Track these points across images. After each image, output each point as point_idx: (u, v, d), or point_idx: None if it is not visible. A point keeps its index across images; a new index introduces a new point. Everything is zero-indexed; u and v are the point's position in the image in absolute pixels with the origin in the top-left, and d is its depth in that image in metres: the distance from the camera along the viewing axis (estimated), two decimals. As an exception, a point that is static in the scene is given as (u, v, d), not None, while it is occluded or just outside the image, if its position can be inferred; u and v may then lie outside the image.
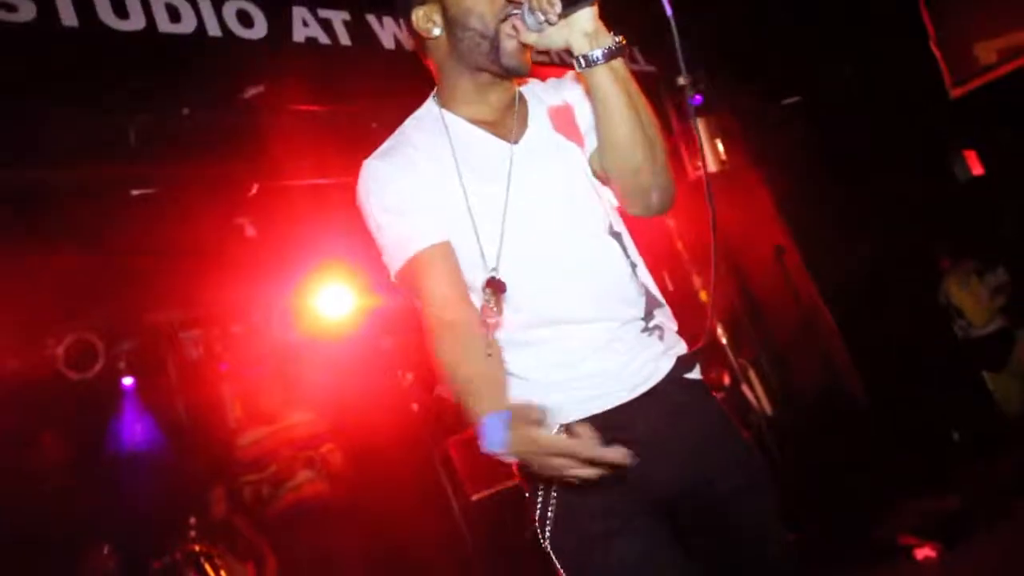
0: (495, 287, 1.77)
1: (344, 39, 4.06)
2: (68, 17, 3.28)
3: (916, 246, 7.24)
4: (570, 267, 1.83)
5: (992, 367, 6.84)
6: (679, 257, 5.97)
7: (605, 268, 1.87)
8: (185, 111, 4.05)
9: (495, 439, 1.56)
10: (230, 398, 6.42)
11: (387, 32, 4.28)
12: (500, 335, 1.81)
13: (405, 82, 4.48)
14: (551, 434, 1.56)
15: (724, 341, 5.80)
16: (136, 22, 3.47)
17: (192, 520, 5.02)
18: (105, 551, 5.24)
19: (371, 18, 4.25)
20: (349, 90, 4.31)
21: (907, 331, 6.72)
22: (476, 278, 1.82)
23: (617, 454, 1.50)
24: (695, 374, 1.95)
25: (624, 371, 1.84)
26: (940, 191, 8.55)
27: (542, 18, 1.69)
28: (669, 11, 1.68)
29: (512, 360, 1.85)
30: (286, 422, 5.79)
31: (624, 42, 1.70)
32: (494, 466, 2.45)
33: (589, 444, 1.50)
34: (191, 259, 5.32)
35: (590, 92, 1.76)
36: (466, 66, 1.87)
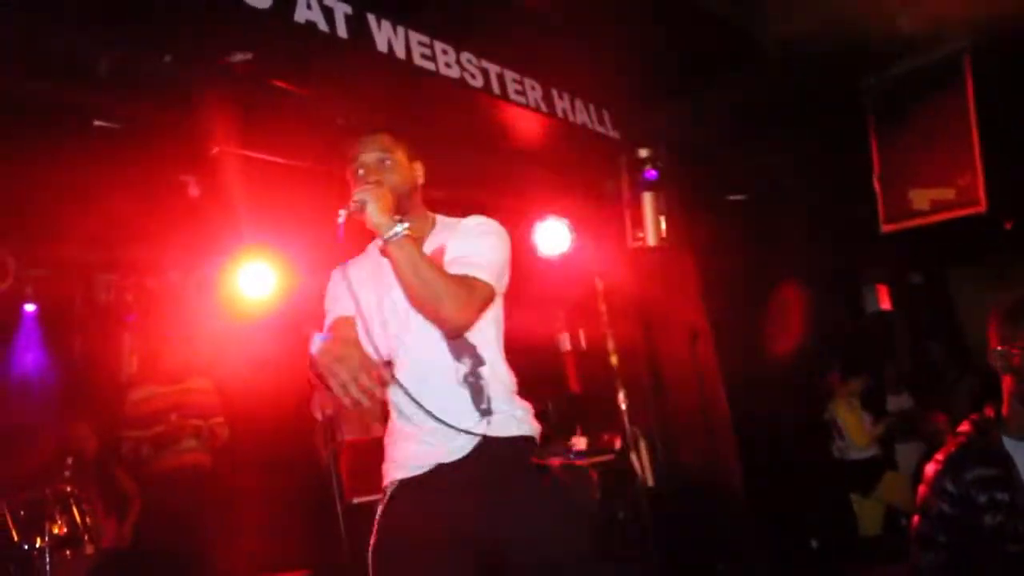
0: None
1: (342, 31, 4.12)
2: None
3: (816, 360, 7.60)
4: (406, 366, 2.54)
5: (860, 490, 7.20)
6: (599, 317, 6.13)
7: (436, 372, 2.52)
8: (167, 58, 4.05)
9: (316, 343, 2.22)
10: (129, 350, 6.34)
11: (383, 35, 4.35)
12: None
13: (384, 88, 4.61)
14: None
15: (624, 407, 5.97)
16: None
17: (69, 460, 4.93)
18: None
19: (371, 18, 4.32)
20: (331, 80, 4.36)
21: (792, 437, 7.05)
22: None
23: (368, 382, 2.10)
24: (522, 453, 2.53)
25: (452, 444, 2.47)
26: (848, 314, 9.00)
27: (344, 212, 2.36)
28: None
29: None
30: (182, 385, 5.73)
31: (405, 230, 2.30)
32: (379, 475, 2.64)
33: (361, 366, 2.12)
34: (127, 204, 5.25)
35: None
36: None
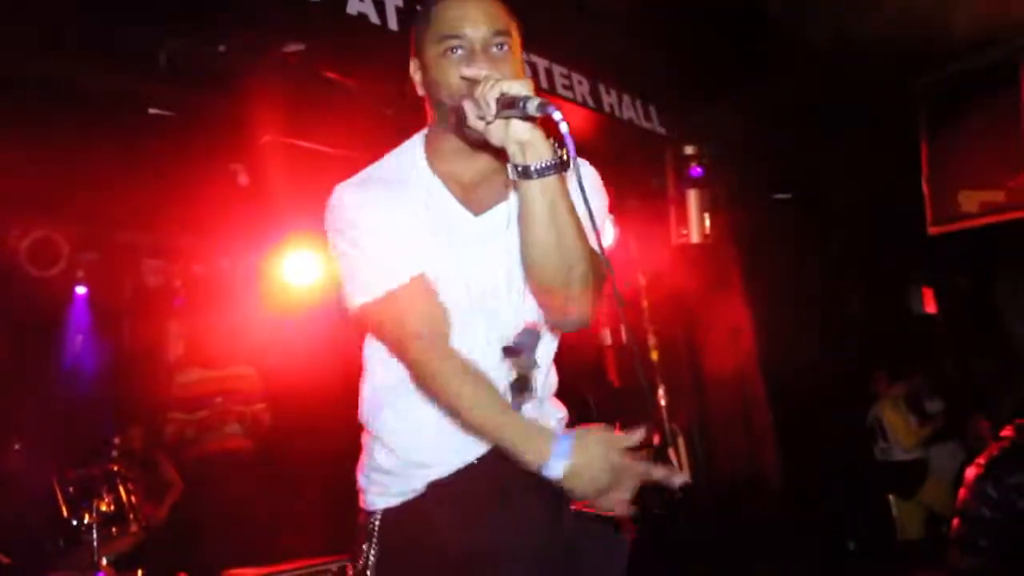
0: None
1: (392, 23, 4.16)
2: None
3: (860, 361, 7.54)
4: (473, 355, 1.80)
5: (903, 493, 7.13)
6: (641, 314, 6.14)
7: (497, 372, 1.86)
8: (222, 48, 4.12)
9: (568, 470, 1.63)
10: (176, 335, 6.45)
11: (432, 28, 4.39)
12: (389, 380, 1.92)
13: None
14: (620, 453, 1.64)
15: (663, 403, 5.97)
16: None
17: (116, 440, 5.04)
18: (16, 447, 5.24)
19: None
20: (380, 72, 4.39)
21: (833, 438, 6.99)
22: None
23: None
24: None
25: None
26: (894, 316, 8.90)
27: (487, 113, 1.59)
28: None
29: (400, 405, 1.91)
30: (227, 371, 5.82)
31: (565, 158, 1.63)
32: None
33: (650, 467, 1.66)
34: (178, 190, 5.35)
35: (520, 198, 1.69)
36: (444, 127, 1.81)
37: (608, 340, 6.66)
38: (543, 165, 1.60)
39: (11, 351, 5.50)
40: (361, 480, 1.99)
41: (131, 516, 4.93)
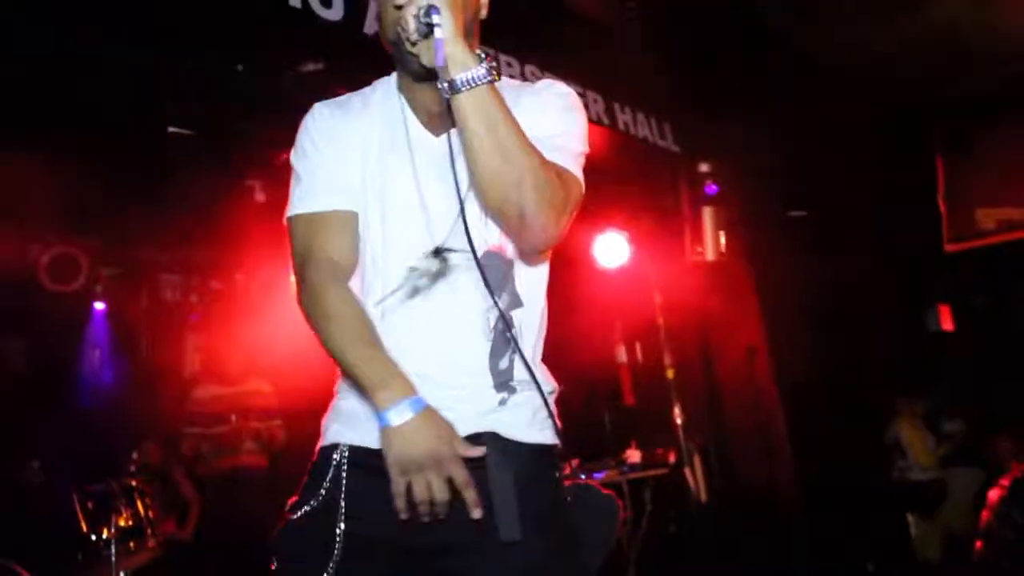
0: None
1: (409, 44, 4.20)
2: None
3: (877, 379, 7.50)
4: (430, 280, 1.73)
5: (922, 512, 7.07)
6: (657, 332, 6.14)
7: (466, 293, 1.76)
8: (239, 67, 4.17)
9: (403, 424, 1.58)
10: (192, 349, 6.48)
11: (448, 48, 4.42)
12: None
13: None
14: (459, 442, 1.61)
15: (679, 422, 5.96)
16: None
17: (135, 455, 5.06)
18: (35, 465, 5.27)
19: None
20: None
21: (851, 457, 6.95)
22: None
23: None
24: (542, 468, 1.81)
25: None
26: (909, 334, 8.86)
27: (416, 33, 1.58)
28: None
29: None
30: (243, 387, 5.84)
31: (494, 68, 1.58)
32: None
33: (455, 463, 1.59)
34: (196, 207, 5.41)
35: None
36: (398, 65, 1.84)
37: (623, 358, 6.66)
38: (469, 77, 1.54)
39: (30, 365, 5.55)
40: (325, 420, 1.86)
41: (149, 531, 4.94)
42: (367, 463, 1.70)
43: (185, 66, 4.06)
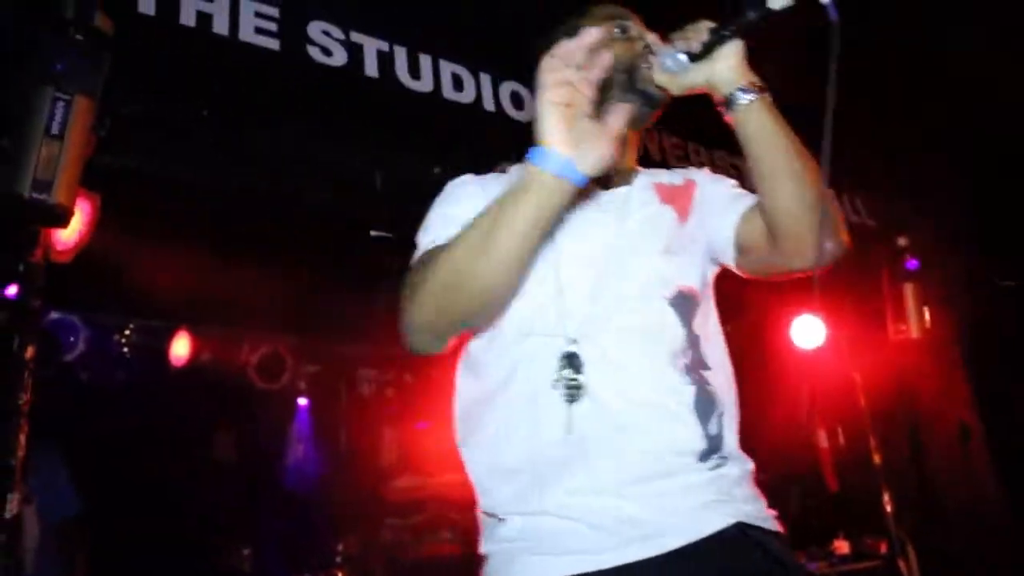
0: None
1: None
2: (371, 68, 3.62)
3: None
4: (621, 325, 1.58)
5: None
6: (859, 413, 5.84)
7: (660, 333, 1.60)
8: (436, 170, 4.32)
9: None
10: (389, 441, 6.66)
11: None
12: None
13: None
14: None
15: (889, 509, 5.61)
16: (425, 85, 3.78)
17: (340, 547, 5.20)
18: (245, 553, 5.49)
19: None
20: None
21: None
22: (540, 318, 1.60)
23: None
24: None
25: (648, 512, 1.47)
26: None
27: (683, 58, 1.59)
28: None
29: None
30: (439, 478, 5.94)
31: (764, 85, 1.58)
32: None
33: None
34: (393, 304, 5.57)
35: (739, 132, 1.60)
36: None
37: (824, 442, 6.37)
38: (758, 83, 1.57)
39: (239, 462, 5.82)
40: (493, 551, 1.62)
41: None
42: None
43: (383, 170, 4.25)
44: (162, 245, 4.22)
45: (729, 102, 1.59)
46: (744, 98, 1.57)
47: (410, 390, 6.49)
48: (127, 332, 5.17)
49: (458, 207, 1.66)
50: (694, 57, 1.59)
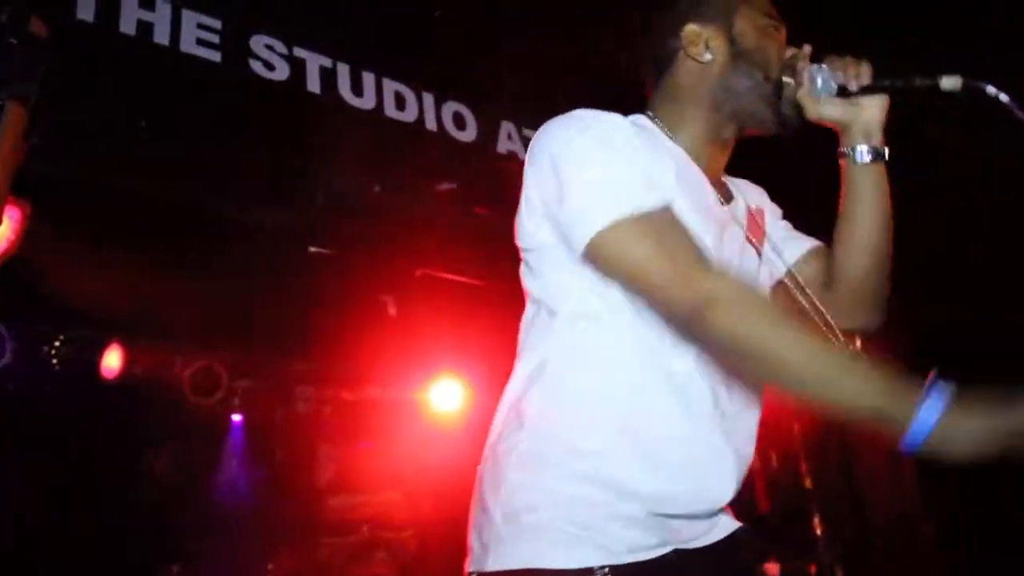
0: None
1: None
2: (313, 84, 3.62)
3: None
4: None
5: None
6: (793, 440, 5.94)
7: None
8: (377, 188, 4.31)
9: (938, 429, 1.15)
10: (325, 460, 6.59)
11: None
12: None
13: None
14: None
15: (818, 532, 5.70)
16: (367, 102, 3.79)
17: (270, 566, 5.13)
18: (174, 570, 5.39)
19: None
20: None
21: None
22: None
23: None
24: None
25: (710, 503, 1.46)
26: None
27: (834, 86, 1.52)
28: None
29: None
30: (374, 497, 5.90)
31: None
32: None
33: None
34: (331, 321, 5.55)
35: (850, 182, 1.59)
36: (717, 107, 1.60)
37: (755, 465, 6.45)
38: (883, 149, 1.58)
39: (171, 478, 5.72)
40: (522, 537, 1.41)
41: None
42: None
43: (322, 188, 4.23)
44: (95, 255, 4.13)
45: (856, 152, 1.59)
46: (874, 156, 1.58)
47: (348, 409, 6.42)
48: (56, 343, 5.04)
49: (628, 153, 1.43)
50: (843, 91, 1.53)
